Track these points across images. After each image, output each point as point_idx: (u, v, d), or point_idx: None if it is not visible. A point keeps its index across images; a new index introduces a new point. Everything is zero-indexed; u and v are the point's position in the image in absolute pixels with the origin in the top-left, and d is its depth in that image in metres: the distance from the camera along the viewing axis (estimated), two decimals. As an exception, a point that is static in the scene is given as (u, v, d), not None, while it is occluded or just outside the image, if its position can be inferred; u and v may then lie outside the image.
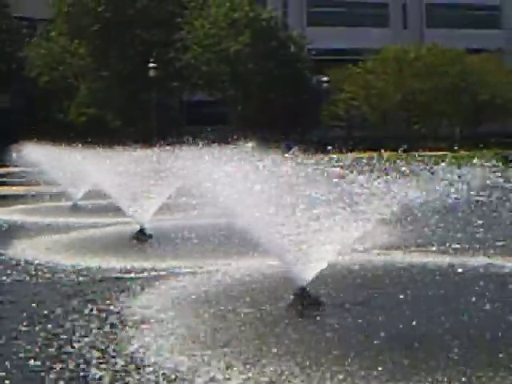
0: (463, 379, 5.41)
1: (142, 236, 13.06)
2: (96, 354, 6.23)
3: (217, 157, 9.79)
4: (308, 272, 7.88)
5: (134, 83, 49.64)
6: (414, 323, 6.87)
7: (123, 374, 5.75)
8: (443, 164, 8.33)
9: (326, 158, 9.94)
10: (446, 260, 9.77)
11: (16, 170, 27.93)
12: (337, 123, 53.61)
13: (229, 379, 5.55)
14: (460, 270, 9.02)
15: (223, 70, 50.59)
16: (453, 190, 7.63)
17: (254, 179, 8.47)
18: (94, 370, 5.81)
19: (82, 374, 5.79)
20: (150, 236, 13.01)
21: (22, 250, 11.98)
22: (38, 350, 6.42)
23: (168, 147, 15.28)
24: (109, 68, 51.23)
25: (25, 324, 7.28)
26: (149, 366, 5.90)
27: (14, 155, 24.63)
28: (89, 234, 14.05)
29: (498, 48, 60.51)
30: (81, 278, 9.50)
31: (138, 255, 11.22)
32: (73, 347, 6.45)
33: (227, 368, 5.76)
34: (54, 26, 52.91)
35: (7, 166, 30.90)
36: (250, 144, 9.99)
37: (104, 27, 50.39)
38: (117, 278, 9.42)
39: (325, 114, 52.75)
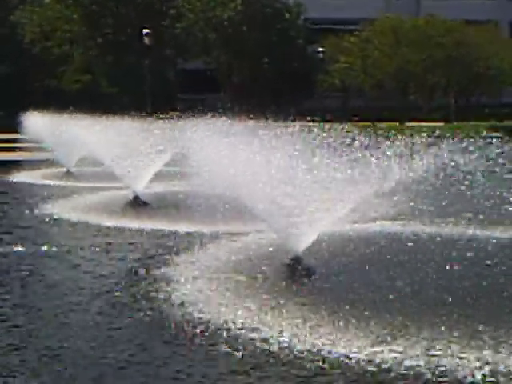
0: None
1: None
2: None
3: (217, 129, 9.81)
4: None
5: (129, 50, 49.30)
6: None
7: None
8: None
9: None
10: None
11: (12, 136, 28.03)
12: (332, 93, 53.40)
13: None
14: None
15: (216, 37, 50.30)
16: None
17: (250, 149, 8.52)
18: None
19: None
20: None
21: None
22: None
23: (163, 116, 15.29)
24: (103, 35, 50.83)
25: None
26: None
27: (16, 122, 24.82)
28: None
29: (494, 19, 60.13)
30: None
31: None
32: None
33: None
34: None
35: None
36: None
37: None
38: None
39: (320, 83, 52.51)
